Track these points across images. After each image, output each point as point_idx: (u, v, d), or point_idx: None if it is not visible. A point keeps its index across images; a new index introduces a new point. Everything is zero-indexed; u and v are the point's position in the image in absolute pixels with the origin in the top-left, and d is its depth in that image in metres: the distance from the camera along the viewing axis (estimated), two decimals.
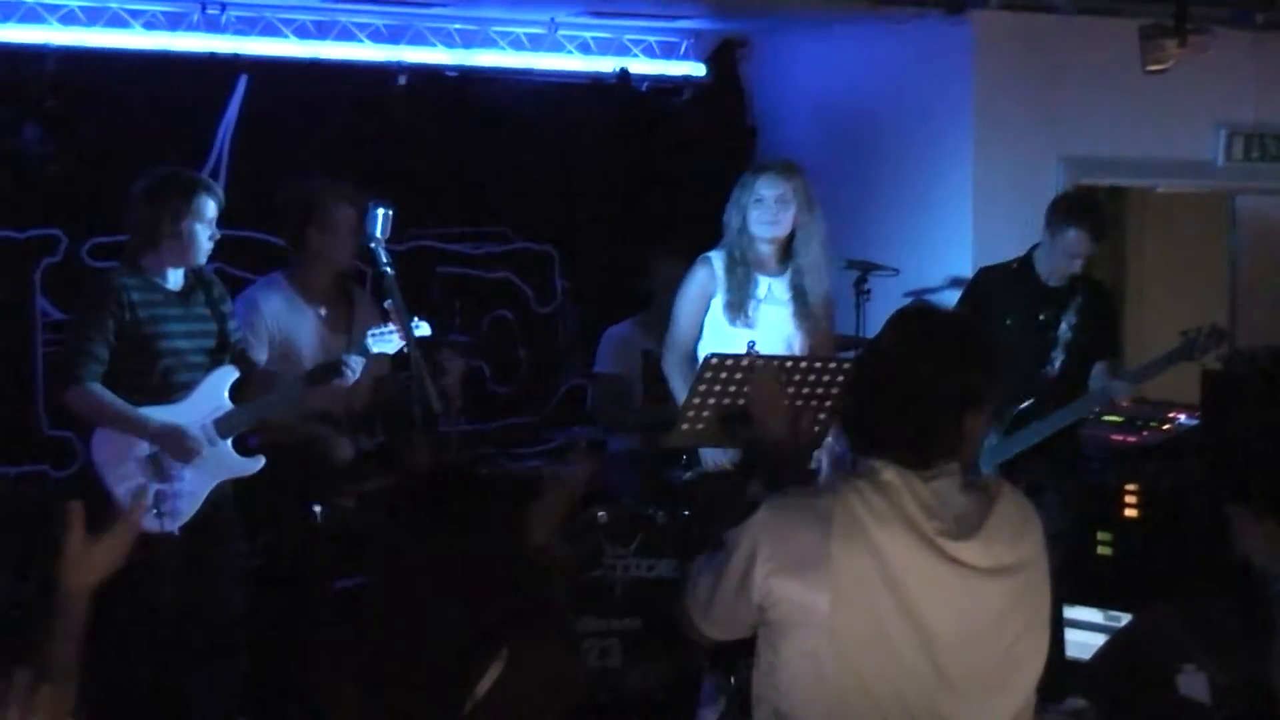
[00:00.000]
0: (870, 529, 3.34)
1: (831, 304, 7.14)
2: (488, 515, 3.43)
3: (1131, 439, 8.83)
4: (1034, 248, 7.62)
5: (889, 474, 3.39)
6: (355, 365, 6.42)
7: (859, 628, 3.34)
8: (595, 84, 9.40)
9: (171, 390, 6.26)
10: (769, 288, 6.99)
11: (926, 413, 3.40)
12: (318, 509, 6.71)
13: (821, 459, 6.65)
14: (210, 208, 6.28)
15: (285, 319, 6.86)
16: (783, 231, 6.93)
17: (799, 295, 7.01)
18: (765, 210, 6.91)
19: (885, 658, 3.35)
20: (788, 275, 7.02)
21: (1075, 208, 7.51)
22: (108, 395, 6.14)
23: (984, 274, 7.79)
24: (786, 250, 6.98)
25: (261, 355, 6.73)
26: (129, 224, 6.37)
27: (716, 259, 6.99)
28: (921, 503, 3.37)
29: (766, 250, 6.95)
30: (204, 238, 6.27)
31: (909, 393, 3.40)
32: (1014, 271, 7.65)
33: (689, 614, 3.62)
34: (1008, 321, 7.45)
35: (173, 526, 6.10)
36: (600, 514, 7.29)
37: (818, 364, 6.13)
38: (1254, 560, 4.94)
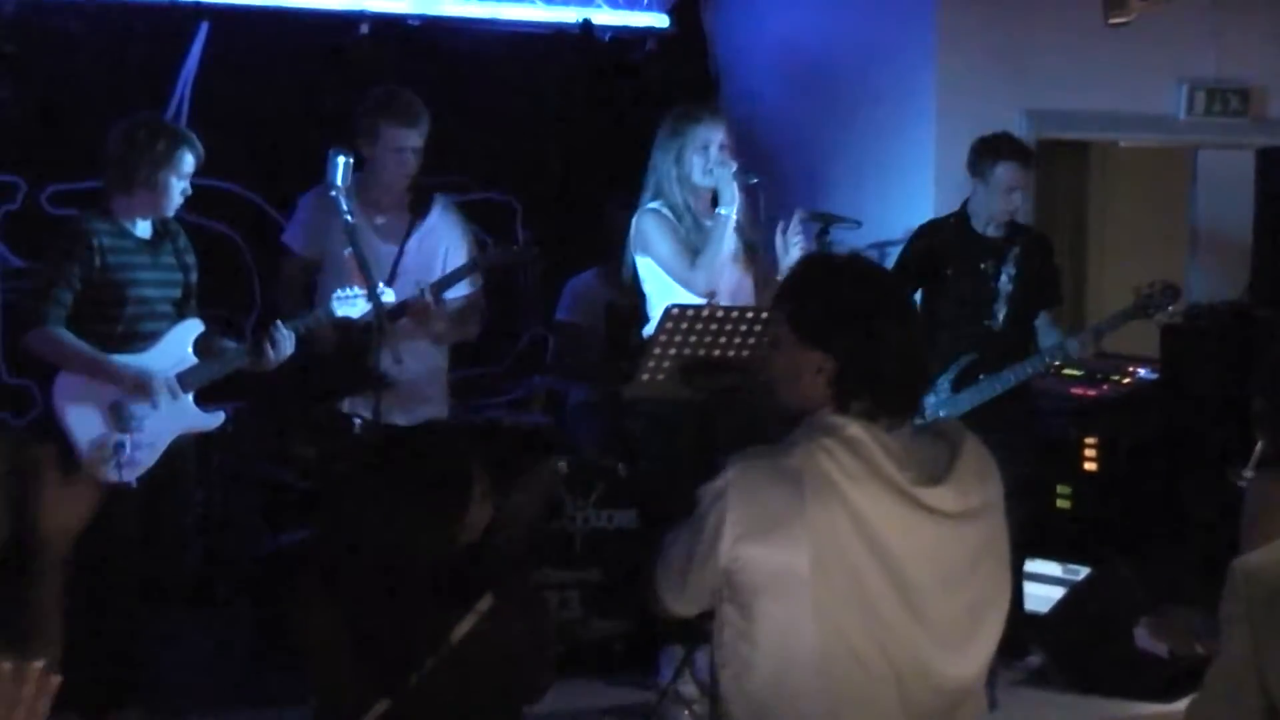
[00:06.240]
0: (843, 486, 3.33)
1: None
2: (460, 471, 3.65)
3: (1091, 392, 8.86)
4: (966, 201, 7.63)
5: (854, 429, 3.37)
6: (283, 337, 6.30)
7: (839, 586, 3.33)
8: (558, 34, 9.35)
9: (137, 340, 6.23)
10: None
11: (920, 362, 3.55)
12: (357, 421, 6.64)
13: None
14: (189, 162, 6.25)
15: (321, 226, 6.67)
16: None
17: (741, 237, 6.93)
18: (713, 156, 6.83)
19: (866, 613, 3.35)
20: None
21: (994, 143, 7.51)
22: (69, 337, 6.12)
23: (924, 229, 7.78)
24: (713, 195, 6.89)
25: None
26: (103, 165, 6.31)
27: (663, 209, 6.90)
28: (891, 455, 3.37)
29: (704, 196, 6.89)
30: (177, 191, 6.24)
31: (910, 342, 3.47)
32: (952, 225, 7.66)
33: (659, 592, 3.58)
34: (949, 274, 7.47)
35: (131, 477, 6.07)
36: (560, 464, 7.28)
37: None
38: None
